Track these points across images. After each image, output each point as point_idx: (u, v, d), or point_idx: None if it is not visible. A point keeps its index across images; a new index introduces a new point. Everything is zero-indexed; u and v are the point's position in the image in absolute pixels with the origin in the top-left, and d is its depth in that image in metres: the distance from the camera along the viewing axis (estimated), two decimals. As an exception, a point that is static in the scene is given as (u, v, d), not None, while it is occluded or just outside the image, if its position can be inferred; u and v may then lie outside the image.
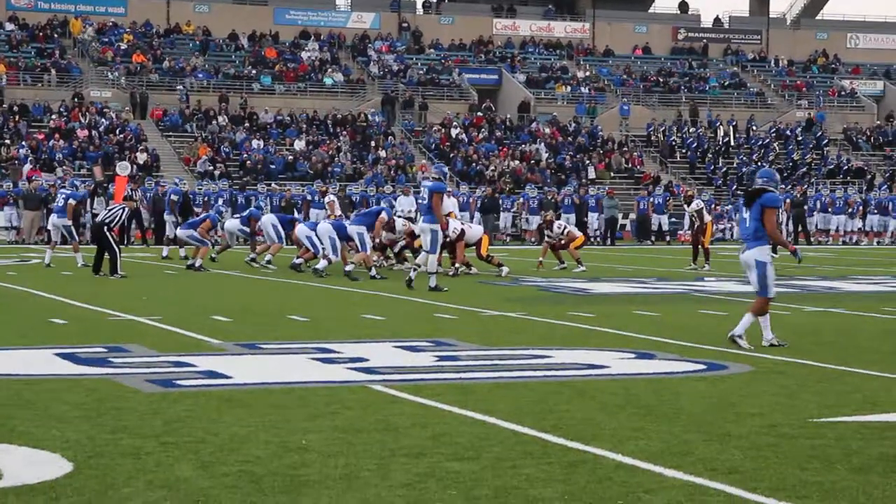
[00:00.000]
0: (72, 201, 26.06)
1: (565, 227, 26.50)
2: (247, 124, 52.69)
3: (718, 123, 58.71)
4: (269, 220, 26.37)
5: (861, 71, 68.62)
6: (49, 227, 28.56)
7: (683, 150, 56.83)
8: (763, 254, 12.62)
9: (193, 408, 8.75)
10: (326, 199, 27.68)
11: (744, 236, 12.98)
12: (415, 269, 20.99)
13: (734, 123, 58.84)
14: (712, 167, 55.18)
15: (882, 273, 26.42)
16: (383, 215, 23.76)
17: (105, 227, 22.97)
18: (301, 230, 24.50)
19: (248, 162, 48.18)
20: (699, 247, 26.79)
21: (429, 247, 20.50)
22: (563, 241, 25.99)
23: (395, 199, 30.84)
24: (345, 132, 52.90)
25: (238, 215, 28.86)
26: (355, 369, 10.73)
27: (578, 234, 27.01)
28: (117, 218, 23.40)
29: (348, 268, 22.71)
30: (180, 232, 26.91)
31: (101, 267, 22.91)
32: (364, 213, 24.78)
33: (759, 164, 55.36)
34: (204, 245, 25.63)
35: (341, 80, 59.07)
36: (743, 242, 13.04)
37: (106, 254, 22.90)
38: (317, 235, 23.70)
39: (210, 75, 57.31)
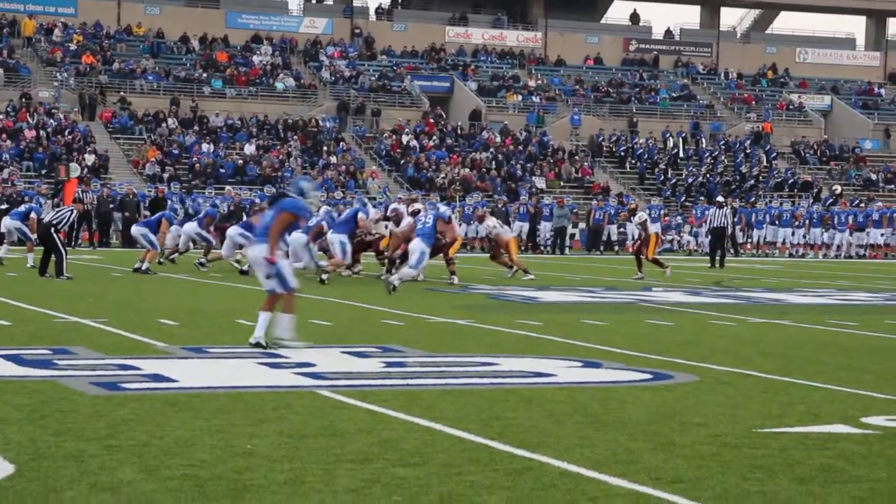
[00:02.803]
0: (34, 215, 25.76)
1: (495, 227, 26.68)
2: (197, 128, 52.46)
3: (668, 135, 59.08)
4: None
5: (809, 85, 69.27)
6: (2, 228, 28.36)
7: (633, 161, 57.12)
8: (268, 252, 12.33)
9: (138, 411, 8.70)
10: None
11: (258, 233, 12.96)
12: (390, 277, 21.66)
13: (683, 135, 59.21)
14: (662, 178, 55.49)
15: (827, 286, 26.66)
16: (360, 215, 23.81)
17: (52, 229, 22.80)
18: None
19: (198, 165, 47.96)
20: (641, 257, 27.04)
21: (414, 263, 21.71)
22: (501, 252, 26.08)
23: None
24: (295, 137, 52.78)
25: (196, 218, 28.66)
26: (302, 374, 10.71)
27: (508, 234, 27.21)
28: (65, 220, 23.23)
29: (324, 276, 22.81)
30: (134, 229, 26.78)
31: (47, 268, 22.74)
32: (341, 220, 24.35)
33: (707, 175, 55.76)
34: (154, 249, 25.49)
35: (293, 84, 58.94)
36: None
37: (52, 255, 22.73)
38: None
39: (160, 78, 57.02)
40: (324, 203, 29.74)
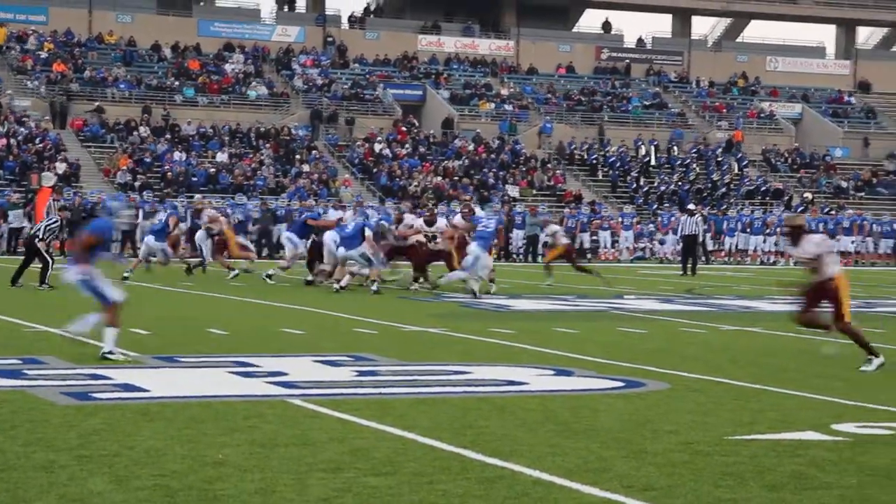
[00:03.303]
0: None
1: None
2: (168, 136, 52.31)
3: (640, 143, 59.23)
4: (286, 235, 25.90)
5: (779, 94, 69.56)
6: None
7: (605, 169, 57.25)
8: (77, 273, 12.43)
9: (109, 421, 8.66)
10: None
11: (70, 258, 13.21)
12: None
13: (655, 143, 59.39)
14: (634, 186, 55.63)
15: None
16: (368, 233, 23.39)
17: (36, 239, 22.73)
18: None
19: (170, 174, 47.82)
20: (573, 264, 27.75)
21: (468, 266, 22.56)
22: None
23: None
24: (268, 145, 52.69)
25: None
26: (274, 383, 10.69)
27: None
28: (55, 232, 23.13)
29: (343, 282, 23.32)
30: (152, 242, 27.11)
31: (20, 278, 22.63)
32: (348, 234, 23.97)
33: (679, 183, 55.94)
34: (168, 258, 26.62)
35: (265, 93, 58.86)
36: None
37: (33, 265, 22.65)
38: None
39: (132, 86, 56.85)
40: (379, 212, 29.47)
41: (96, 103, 53.89)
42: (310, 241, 25.95)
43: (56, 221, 23.43)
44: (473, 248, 22.72)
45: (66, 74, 56.12)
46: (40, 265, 22.58)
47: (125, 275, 24.88)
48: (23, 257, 23.44)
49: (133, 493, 6.61)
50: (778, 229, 46.15)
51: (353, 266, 23.50)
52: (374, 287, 23.03)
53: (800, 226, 13.78)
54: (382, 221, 24.90)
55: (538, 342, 14.63)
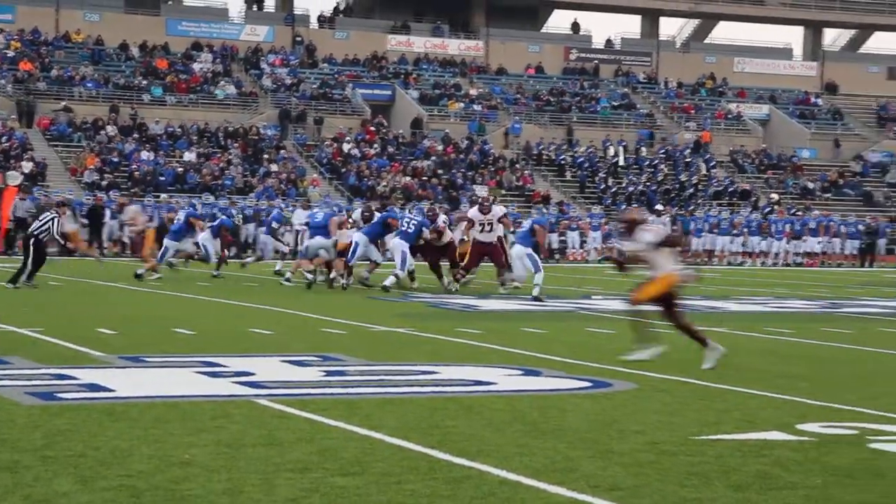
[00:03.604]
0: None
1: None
2: (136, 135, 52.09)
3: (609, 144, 59.37)
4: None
5: (747, 95, 69.86)
6: None
7: (574, 170, 57.35)
8: None
9: (74, 421, 8.63)
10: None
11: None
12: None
13: (624, 144, 59.53)
14: (602, 186, 55.76)
15: (764, 293, 26.89)
16: (425, 232, 24.20)
17: (34, 238, 22.56)
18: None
19: (137, 173, 47.63)
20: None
21: (532, 267, 22.80)
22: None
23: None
24: (236, 145, 52.56)
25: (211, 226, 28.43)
26: (241, 383, 10.66)
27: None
28: (50, 229, 22.85)
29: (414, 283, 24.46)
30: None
31: (32, 278, 22.46)
32: (318, 225, 24.57)
33: (648, 183, 56.11)
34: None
35: (233, 92, 58.70)
36: None
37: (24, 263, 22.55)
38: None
39: (99, 85, 56.59)
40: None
41: (63, 102, 53.63)
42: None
43: (52, 218, 22.96)
44: (519, 249, 23.15)
45: (33, 73, 55.82)
46: (29, 263, 22.38)
47: (152, 275, 25.11)
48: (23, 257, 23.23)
49: (99, 493, 6.59)
50: (745, 230, 46.42)
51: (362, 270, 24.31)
52: (343, 281, 23.77)
53: (633, 220, 13.57)
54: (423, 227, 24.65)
55: (506, 342, 14.66)
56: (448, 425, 8.84)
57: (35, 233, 22.65)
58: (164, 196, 43.64)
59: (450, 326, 16.57)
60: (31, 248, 22.46)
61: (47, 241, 23.05)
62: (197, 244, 27.41)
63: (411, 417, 9.14)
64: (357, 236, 23.91)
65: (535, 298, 22.26)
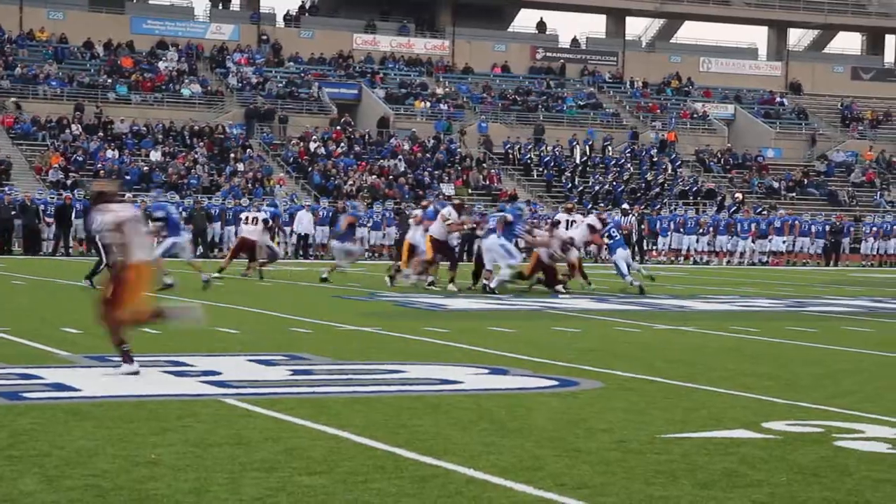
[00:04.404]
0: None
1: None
2: (101, 134, 51.85)
3: (575, 143, 59.50)
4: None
5: (712, 94, 70.16)
6: None
7: (540, 169, 57.46)
8: None
9: (40, 421, 8.58)
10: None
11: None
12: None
13: (590, 143, 59.67)
14: (569, 185, 55.88)
15: (731, 292, 27.00)
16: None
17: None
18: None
19: (102, 172, 47.41)
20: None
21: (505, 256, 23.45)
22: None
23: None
24: (202, 144, 52.39)
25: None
26: (208, 382, 10.63)
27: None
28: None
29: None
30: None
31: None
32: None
33: (615, 182, 56.28)
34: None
35: (199, 91, 58.51)
36: None
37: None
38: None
39: (64, 83, 56.30)
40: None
41: (11, 98, 53.24)
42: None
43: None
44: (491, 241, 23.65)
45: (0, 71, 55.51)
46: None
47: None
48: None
49: (64, 493, 6.56)
50: (711, 229, 46.60)
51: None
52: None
53: (102, 192, 11.46)
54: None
55: (473, 341, 14.66)
56: (415, 424, 8.83)
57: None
58: (128, 195, 43.42)
59: (417, 325, 16.57)
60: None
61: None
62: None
63: (378, 416, 9.13)
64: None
65: (491, 290, 23.24)
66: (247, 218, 27.60)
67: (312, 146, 54.13)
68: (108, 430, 8.32)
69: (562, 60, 70.53)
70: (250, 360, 12.30)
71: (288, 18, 68.98)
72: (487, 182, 54.56)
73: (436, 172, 53.93)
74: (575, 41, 74.06)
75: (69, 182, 45.53)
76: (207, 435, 8.21)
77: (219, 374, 11.17)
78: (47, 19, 61.29)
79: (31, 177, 47.14)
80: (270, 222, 27.76)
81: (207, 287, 22.97)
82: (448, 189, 52.13)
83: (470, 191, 52.92)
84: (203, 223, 40.11)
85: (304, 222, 41.48)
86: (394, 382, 11.05)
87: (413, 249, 25.52)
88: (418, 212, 27.60)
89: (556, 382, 11.24)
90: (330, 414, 9.16)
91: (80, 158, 48.79)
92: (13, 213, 39.14)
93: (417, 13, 71.17)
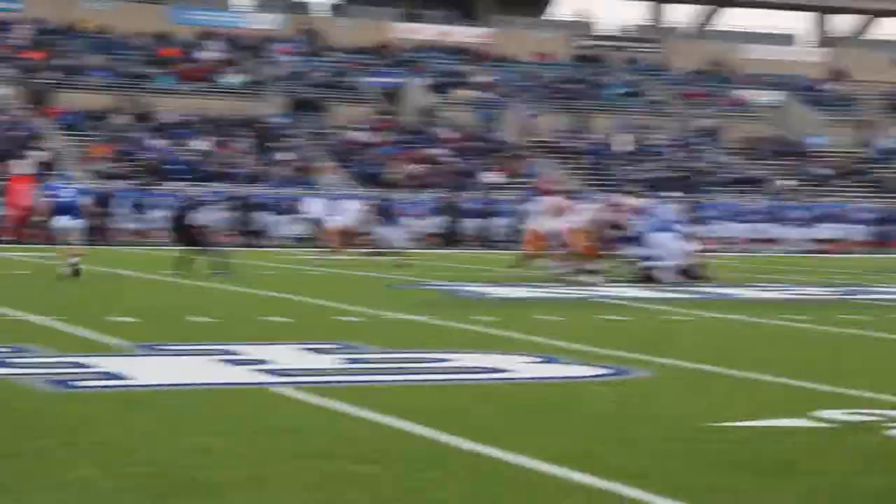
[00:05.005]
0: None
1: None
2: (146, 124, 52.12)
3: (619, 131, 59.29)
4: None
5: (757, 81, 69.68)
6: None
7: (585, 157, 57.29)
8: None
9: (96, 409, 8.64)
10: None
11: None
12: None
13: (634, 132, 59.44)
14: (614, 174, 55.67)
15: (780, 280, 26.85)
16: None
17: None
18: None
19: (150, 162, 47.67)
20: None
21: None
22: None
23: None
24: (247, 133, 52.57)
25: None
26: (260, 371, 10.67)
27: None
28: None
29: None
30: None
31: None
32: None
33: (658, 171, 56.02)
34: None
35: (242, 81, 58.69)
36: None
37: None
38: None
39: (109, 73, 56.60)
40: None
41: (72, 92, 53.64)
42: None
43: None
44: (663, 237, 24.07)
45: (43, 62, 55.85)
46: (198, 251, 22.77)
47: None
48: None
49: (122, 479, 6.60)
50: (759, 217, 46.34)
51: None
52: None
53: None
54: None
55: (521, 329, 14.65)
56: (466, 412, 8.84)
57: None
58: (179, 185, 43.65)
59: (465, 314, 16.58)
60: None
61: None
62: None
63: (430, 404, 9.14)
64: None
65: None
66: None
67: (355, 135, 54.21)
68: (163, 418, 8.37)
69: (604, 48, 70.26)
70: (301, 349, 12.34)
71: (329, 8, 69.07)
72: (531, 171, 54.47)
73: (479, 161, 53.88)
74: (617, 29, 73.75)
75: (117, 172, 45.78)
76: (261, 423, 8.25)
77: (271, 362, 11.21)
78: (92, 10, 61.56)
79: (77, 167, 47.44)
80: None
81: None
82: (490, 178, 52.07)
83: (514, 180, 52.84)
84: (246, 213, 40.13)
85: (351, 211, 41.58)
86: (445, 371, 11.06)
87: (540, 237, 25.04)
88: (554, 199, 26.51)
89: (606, 371, 11.21)
90: (381, 402, 9.17)
91: (126, 149, 49.06)
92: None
93: (458, 2, 71.08)
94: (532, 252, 25.51)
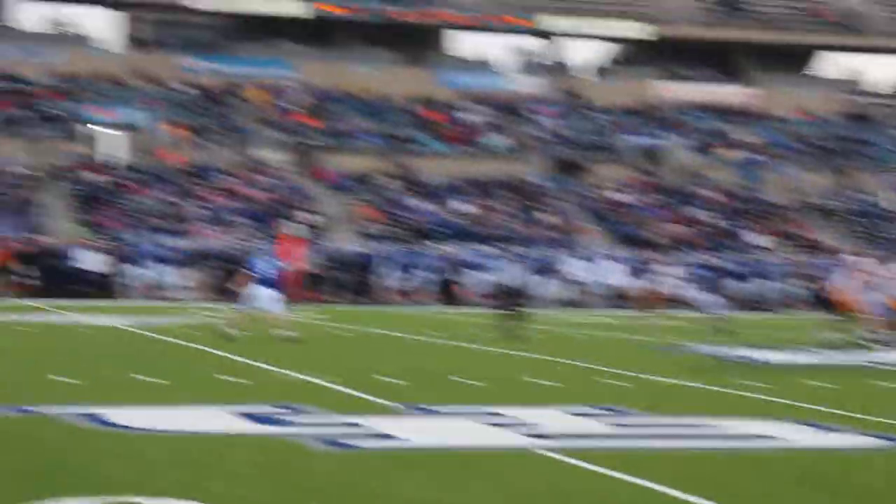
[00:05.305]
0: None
1: None
2: (413, 186, 53.22)
3: (888, 190, 57.48)
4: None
5: None
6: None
7: (853, 217, 55.68)
8: None
9: (366, 469, 8.80)
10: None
11: None
12: None
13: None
14: (883, 234, 53.89)
15: None
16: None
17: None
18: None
19: (415, 224, 48.60)
20: None
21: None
22: None
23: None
24: (508, 195, 53.08)
25: None
26: (527, 435, 10.68)
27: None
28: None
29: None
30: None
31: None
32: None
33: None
34: None
35: (505, 143, 59.36)
36: None
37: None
38: None
39: (377, 137, 58.11)
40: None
41: (340, 155, 55.32)
42: None
43: None
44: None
45: (313, 126, 57.79)
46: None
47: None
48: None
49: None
50: None
51: None
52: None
53: None
54: None
55: (793, 396, 14.26)
56: (736, 482, 8.64)
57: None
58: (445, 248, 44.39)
59: (734, 379, 16.26)
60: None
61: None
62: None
63: (699, 472, 8.97)
64: None
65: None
66: None
67: (617, 196, 54.11)
68: (434, 480, 8.46)
69: (872, 105, 68.30)
70: (567, 413, 12.30)
71: (590, 69, 69.32)
72: (799, 231, 53.24)
73: (745, 222, 52.98)
74: (888, 87, 71.62)
75: (383, 234, 46.90)
76: (527, 486, 8.25)
77: (537, 425, 11.21)
78: (359, 75, 63.26)
79: (347, 229, 48.76)
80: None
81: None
82: (759, 240, 51.12)
83: (781, 240, 51.74)
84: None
85: (615, 273, 41.81)
86: (713, 437, 10.85)
87: (845, 303, 24.44)
88: (862, 260, 26.16)
89: (886, 442, 10.78)
90: (649, 469, 9.04)
91: (393, 211, 50.19)
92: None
93: (719, 61, 70.28)
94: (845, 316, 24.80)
